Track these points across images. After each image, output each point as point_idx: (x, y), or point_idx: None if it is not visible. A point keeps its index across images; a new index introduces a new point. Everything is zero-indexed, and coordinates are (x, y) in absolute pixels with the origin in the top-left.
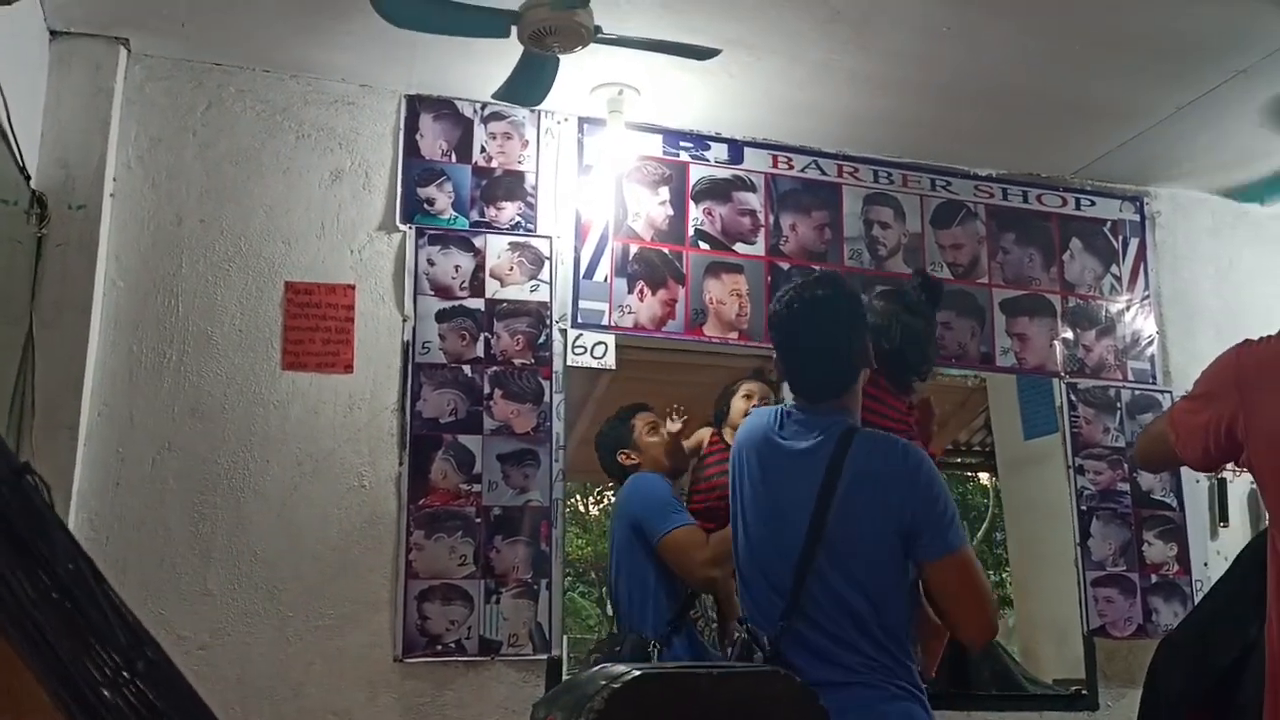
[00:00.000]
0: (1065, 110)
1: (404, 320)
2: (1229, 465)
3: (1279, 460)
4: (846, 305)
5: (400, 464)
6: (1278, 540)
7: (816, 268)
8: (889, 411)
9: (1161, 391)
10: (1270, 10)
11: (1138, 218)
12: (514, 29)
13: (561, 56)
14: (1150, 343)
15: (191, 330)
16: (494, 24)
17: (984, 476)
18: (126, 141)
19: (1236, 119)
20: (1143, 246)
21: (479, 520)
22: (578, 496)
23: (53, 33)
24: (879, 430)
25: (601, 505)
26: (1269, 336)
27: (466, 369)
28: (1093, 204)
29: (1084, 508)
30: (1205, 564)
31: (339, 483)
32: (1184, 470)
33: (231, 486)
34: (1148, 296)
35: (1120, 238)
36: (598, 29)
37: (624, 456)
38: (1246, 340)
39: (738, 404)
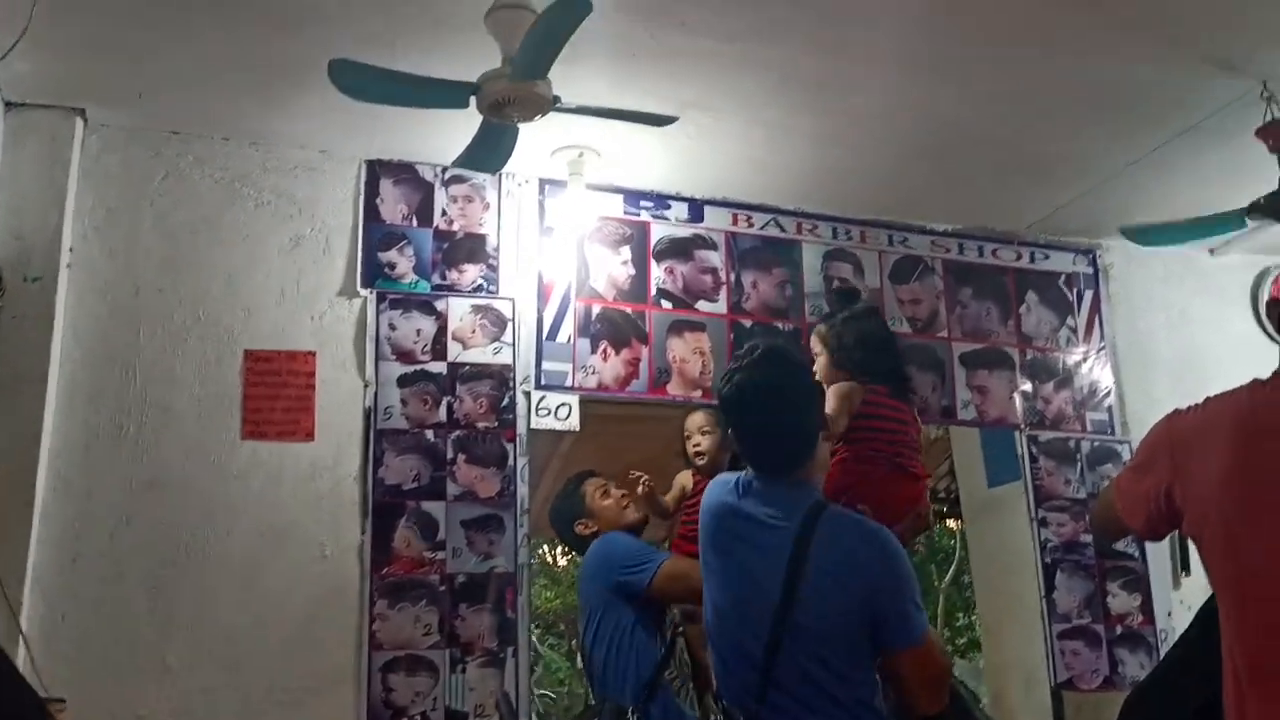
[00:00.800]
0: (1017, 167)
1: (365, 386)
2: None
3: (1211, 526)
4: (795, 380)
5: (363, 532)
6: (1222, 601)
7: (779, 324)
8: (892, 414)
9: (1120, 442)
10: (1214, 71)
11: (1091, 270)
12: (473, 99)
13: (521, 125)
14: (1108, 393)
15: (149, 401)
16: (453, 95)
17: (951, 521)
18: (83, 212)
19: (1185, 174)
20: (1097, 298)
21: (443, 588)
22: (546, 548)
23: (8, 104)
24: (848, 511)
25: (570, 556)
26: (1198, 405)
27: (429, 434)
28: (1047, 257)
29: (1048, 560)
30: (1169, 614)
31: (301, 553)
32: None
33: (191, 559)
34: (1103, 348)
35: (1075, 290)
36: (556, 99)
37: (581, 526)
38: (1176, 410)
39: (693, 441)
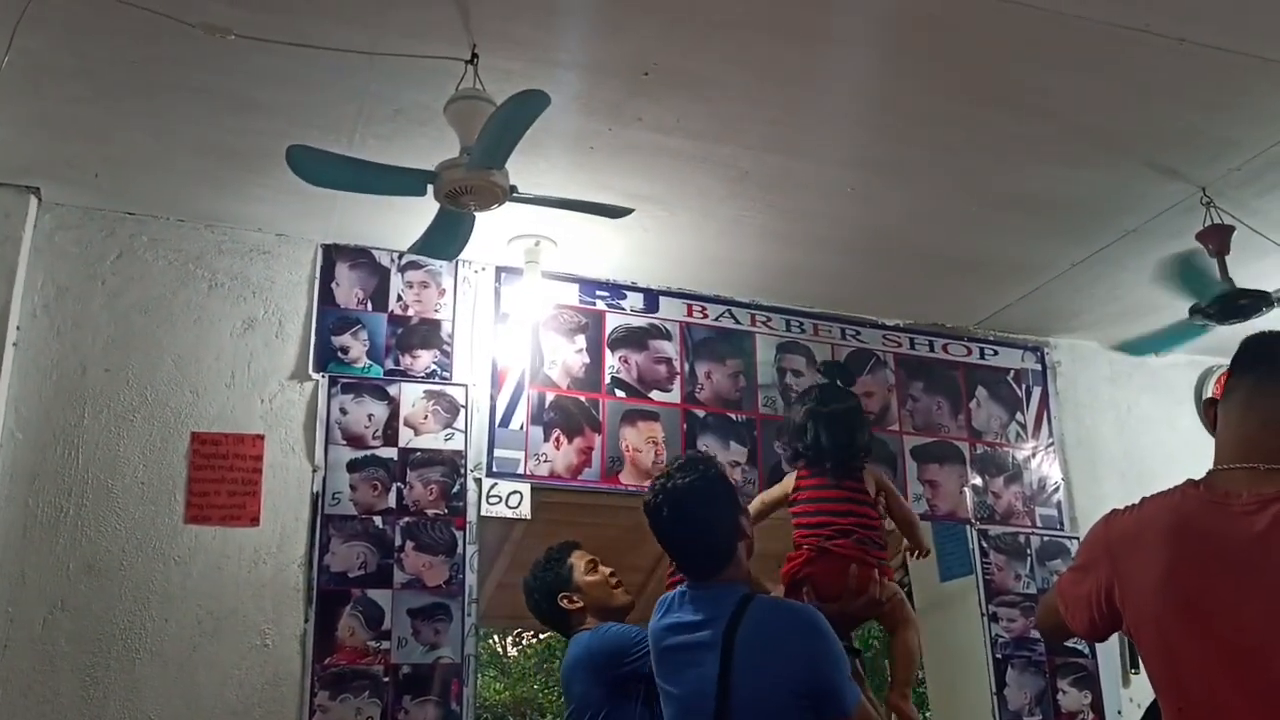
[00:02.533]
0: (966, 265)
1: (314, 470)
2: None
3: (1147, 628)
4: (709, 488)
5: (306, 621)
6: (1163, 702)
7: (733, 415)
8: (836, 506)
9: (1069, 537)
10: (1157, 177)
11: (1039, 367)
12: (430, 188)
13: (478, 214)
14: (1056, 489)
15: (91, 482)
16: (410, 183)
17: None
18: (33, 290)
19: (1129, 274)
20: (1045, 395)
21: (387, 679)
22: (496, 638)
23: None
24: (773, 598)
25: (521, 646)
26: (1134, 505)
27: (377, 520)
28: (996, 353)
29: (999, 655)
30: (1119, 712)
31: (241, 642)
32: None
33: (127, 647)
34: (1052, 443)
35: (1024, 386)
36: (513, 188)
37: (566, 600)
38: (1114, 510)
39: None
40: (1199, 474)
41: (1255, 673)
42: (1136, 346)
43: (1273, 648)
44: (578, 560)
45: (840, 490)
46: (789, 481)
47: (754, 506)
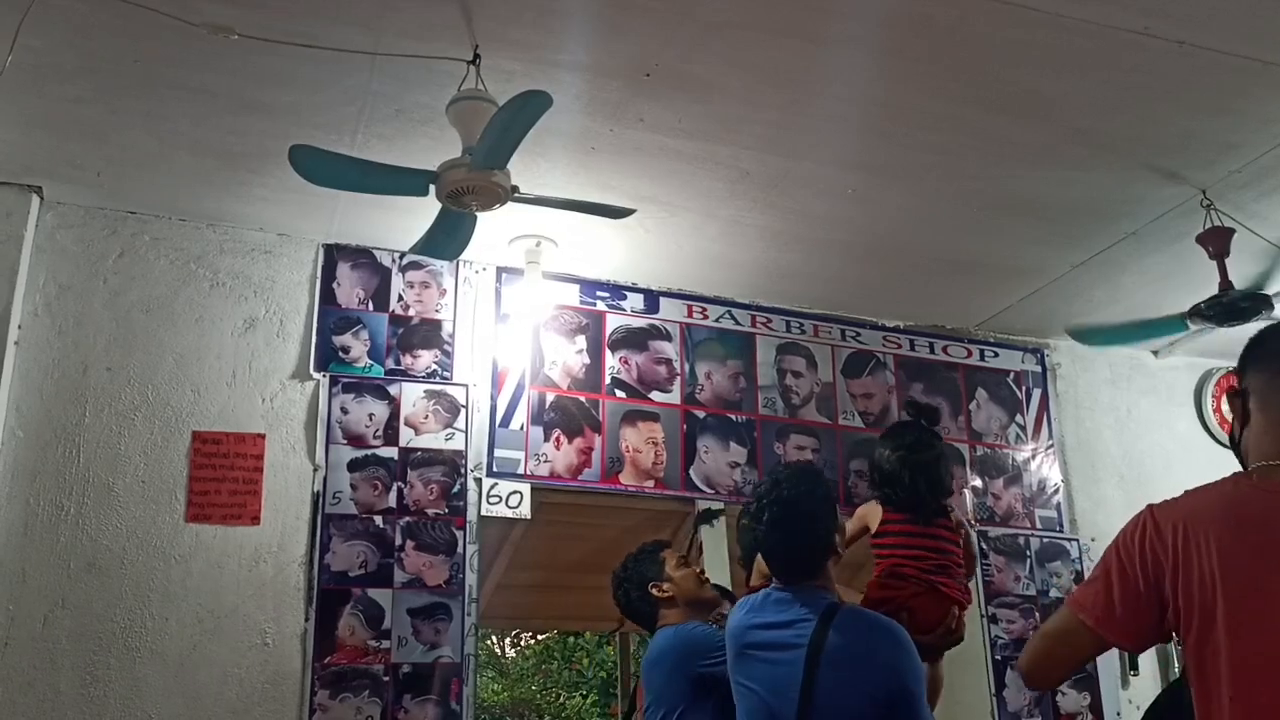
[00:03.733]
0: (966, 267)
1: (315, 470)
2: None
3: (1201, 615)
4: (818, 499)
5: (306, 620)
6: (1208, 696)
7: (732, 416)
8: (930, 543)
9: (1068, 539)
10: (1157, 178)
11: (1039, 369)
12: (432, 188)
13: (479, 214)
14: (1056, 490)
15: (92, 481)
16: (412, 183)
17: None
18: (35, 289)
19: (1130, 277)
20: (1045, 397)
21: (387, 679)
22: (494, 639)
23: None
24: (862, 609)
25: (519, 648)
26: (1170, 500)
27: (378, 519)
28: (996, 355)
29: (998, 657)
30: (1118, 714)
31: (241, 640)
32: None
33: (127, 646)
34: (1052, 445)
35: (1023, 388)
36: (515, 189)
37: (657, 589)
38: (1149, 506)
39: None
40: (1198, 476)
41: None
42: (1089, 335)
43: None
44: (669, 556)
45: (933, 528)
46: (870, 518)
47: None
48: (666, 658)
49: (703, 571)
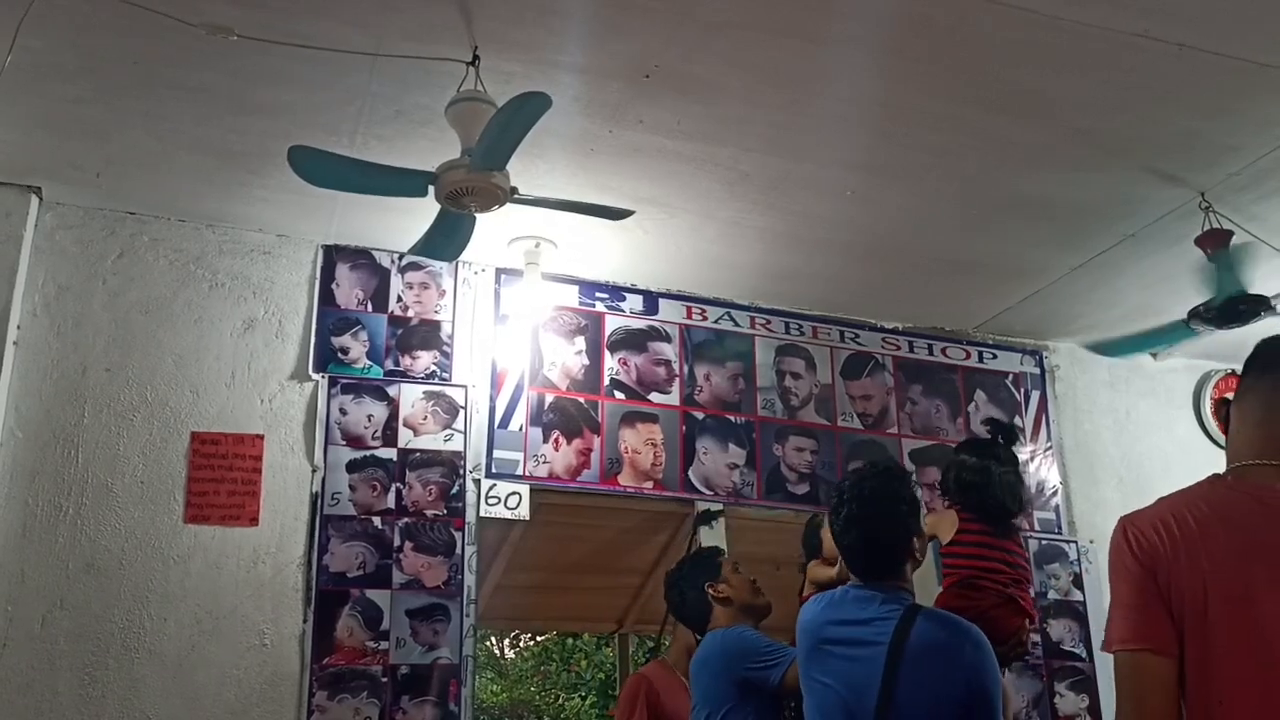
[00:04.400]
0: (965, 268)
1: (313, 471)
2: None
3: (1191, 619)
4: (894, 491)
5: (304, 621)
6: (1194, 702)
7: (731, 417)
8: (1007, 556)
9: (1067, 541)
10: (1156, 180)
11: (1038, 371)
12: (431, 189)
13: (478, 215)
14: (1055, 492)
15: (91, 482)
16: (412, 184)
17: None
18: (34, 289)
19: (1128, 279)
20: (1044, 399)
21: (385, 679)
22: (493, 640)
23: None
24: (941, 610)
25: (518, 649)
26: (1145, 508)
27: (376, 520)
28: (995, 357)
29: None
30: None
31: (239, 641)
32: (1091, 620)
33: (125, 646)
34: (1050, 447)
35: (1022, 390)
36: (514, 190)
37: (712, 589)
38: (1122, 517)
39: (827, 535)
40: (1197, 478)
41: None
42: (1107, 348)
43: None
44: (725, 562)
45: (1009, 541)
46: (942, 527)
47: None
48: (715, 659)
49: (755, 580)
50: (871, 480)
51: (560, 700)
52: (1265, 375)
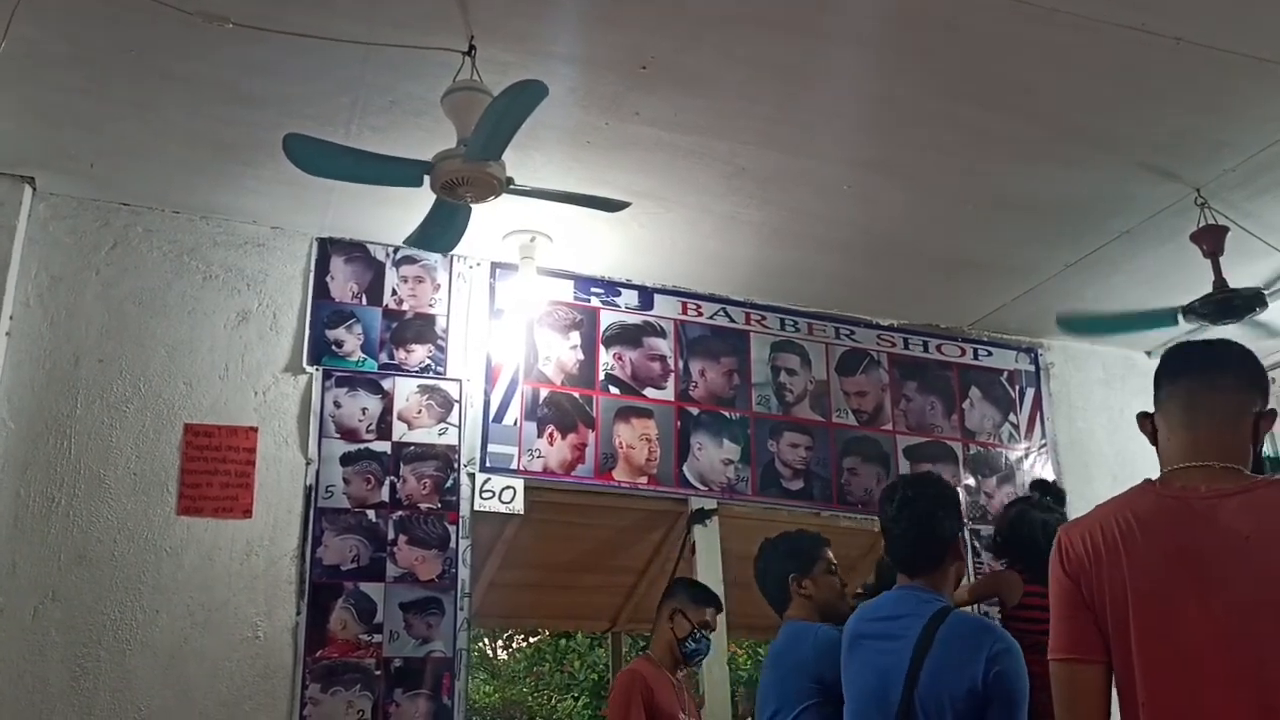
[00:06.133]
0: (960, 265)
1: (307, 463)
2: None
3: (1118, 623)
4: (935, 490)
5: (298, 613)
6: (1126, 703)
7: (726, 413)
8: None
9: None
10: (1151, 176)
11: (1033, 368)
12: (427, 179)
13: (474, 205)
14: None
15: (83, 473)
16: (407, 173)
17: None
18: (26, 279)
19: (1123, 276)
20: (1039, 396)
21: (379, 672)
22: (486, 640)
23: None
24: (971, 614)
25: (510, 650)
26: (1081, 517)
27: (370, 513)
28: (990, 354)
29: None
30: None
31: (232, 634)
32: None
33: (117, 638)
34: (1045, 445)
35: (1017, 387)
36: (510, 180)
37: (796, 583)
38: (1061, 527)
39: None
40: None
41: (1218, 663)
42: (1077, 325)
43: (1233, 639)
44: (822, 559)
45: None
46: (1007, 589)
47: (960, 597)
48: (803, 653)
49: (845, 585)
50: (925, 478)
51: (553, 701)
52: (1180, 380)
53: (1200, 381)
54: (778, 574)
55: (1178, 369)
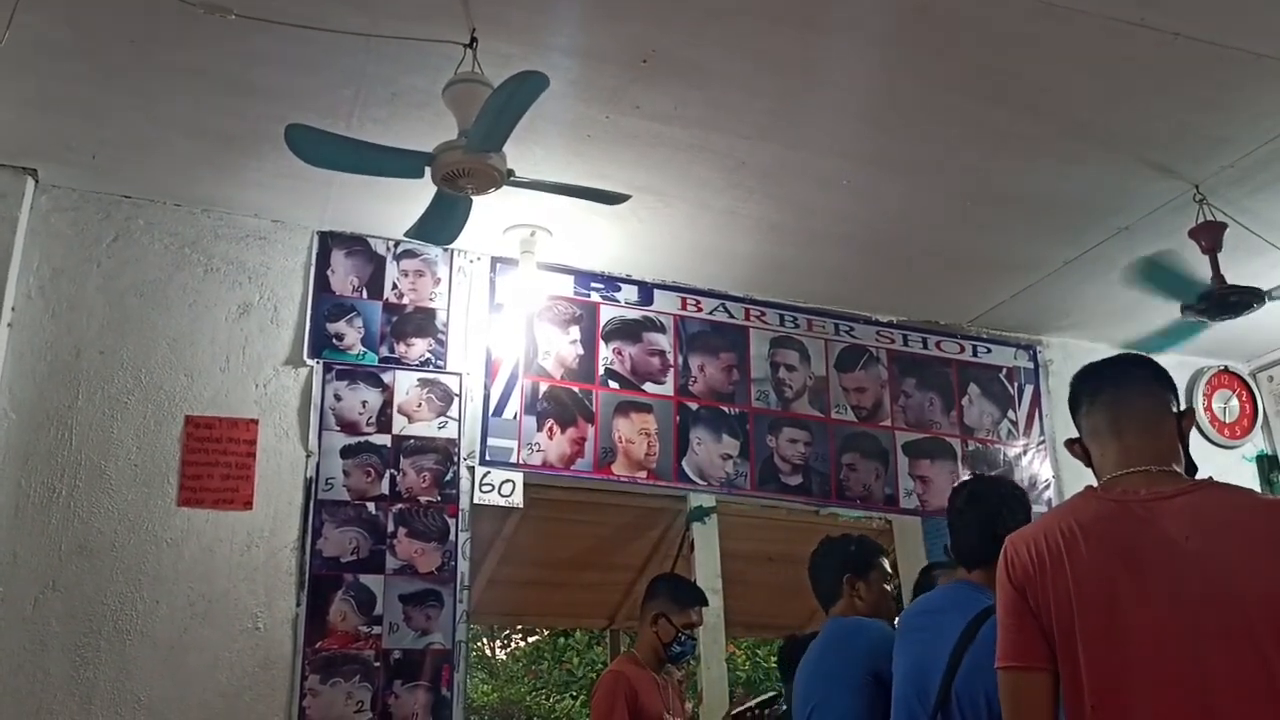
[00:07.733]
0: (959, 262)
1: (307, 456)
2: None
3: (1064, 629)
4: (997, 490)
5: (298, 605)
6: (1073, 706)
7: (725, 408)
8: None
9: None
10: (1150, 172)
11: (1032, 365)
12: (428, 170)
13: (474, 198)
14: (1047, 487)
15: (84, 464)
16: (408, 165)
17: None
18: (28, 271)
19: (1122, 272)
20: (1037, 393)
21: (378, 664)
22: (484, 640)
23: None
24: None
25: (509, 650)
26: (1026, 527)
27: (370, 506)
28: (989, 351)
29: None
30: None
31: (232, 625)
32: None
33: (118, 629)
34: (1043, 441)
35: (1016, 384)
36: (510, 172)
37: (850, 584)
38: (1008, 536)
39: None
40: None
41: (1162, 664)
42: (1142, 345)
43: (1176, 640)
44: (884, 564)
45: None
46: None
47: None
48: (856, 646)
49: (896, 599)
50: (996, 479)
51: (552, 700)
52: (1097, 398)
53: (1118, 392)
54: (835, 569)
55: (1095, 386)
